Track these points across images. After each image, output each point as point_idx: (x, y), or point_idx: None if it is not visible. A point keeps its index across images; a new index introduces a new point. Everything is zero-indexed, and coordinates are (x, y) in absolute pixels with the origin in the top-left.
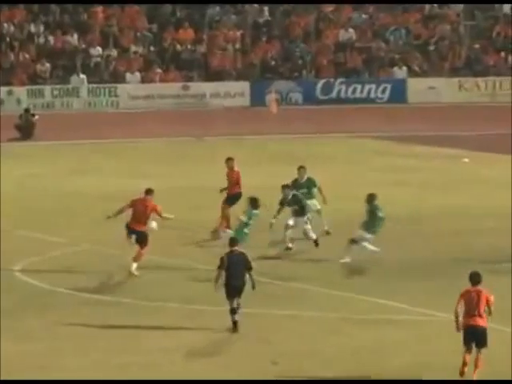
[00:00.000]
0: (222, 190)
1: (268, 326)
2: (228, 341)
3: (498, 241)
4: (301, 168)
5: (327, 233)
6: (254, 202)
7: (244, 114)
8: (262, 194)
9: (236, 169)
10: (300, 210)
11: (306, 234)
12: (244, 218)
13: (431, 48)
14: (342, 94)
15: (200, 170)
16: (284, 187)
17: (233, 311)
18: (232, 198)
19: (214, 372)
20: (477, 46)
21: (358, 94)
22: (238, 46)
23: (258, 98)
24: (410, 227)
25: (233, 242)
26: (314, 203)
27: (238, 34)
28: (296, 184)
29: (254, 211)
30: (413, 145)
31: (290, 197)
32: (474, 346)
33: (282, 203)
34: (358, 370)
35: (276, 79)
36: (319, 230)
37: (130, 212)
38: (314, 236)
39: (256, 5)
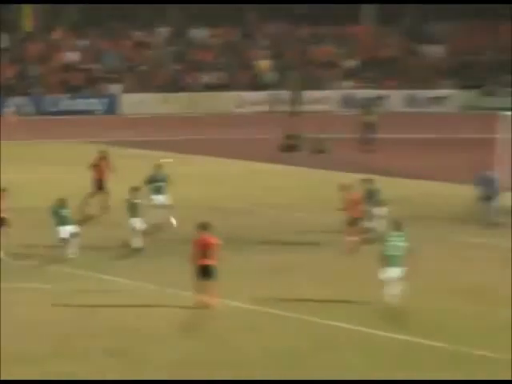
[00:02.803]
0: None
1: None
2: None
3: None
4: (157, 165)
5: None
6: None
7: None
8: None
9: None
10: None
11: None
12: None
13: (141, 69)
14: (68, 107)
15: None
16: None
17: None
18: None
19: None
20: (177, 67)
21: (80, 107)
22: None
23: None
24: None
25: None
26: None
27: None
28: (152, 179)
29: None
30: (126, 148)
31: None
32: (205, 279)
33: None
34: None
35: (13, 95)
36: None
37: None
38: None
39: None
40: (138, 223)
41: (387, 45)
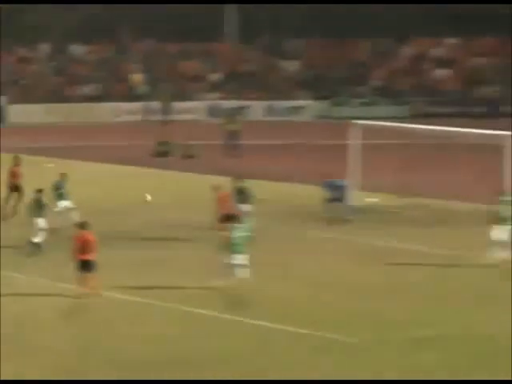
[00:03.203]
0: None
1: None
2: None
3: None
4: (62, 174)
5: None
6: None
7: None
8: None
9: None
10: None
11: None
12: None
13: (25, 82)
14: None
15: None
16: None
17: None
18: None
19: None
20: (58, 80)
21: None
22: None
23: None
24: None
25: None
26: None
27: None
28: (57, 186)
29: None
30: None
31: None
32: (85, 273)
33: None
34: None
35: None
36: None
37: None
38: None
39: None
40: (42, 223)
41: (248, 60)
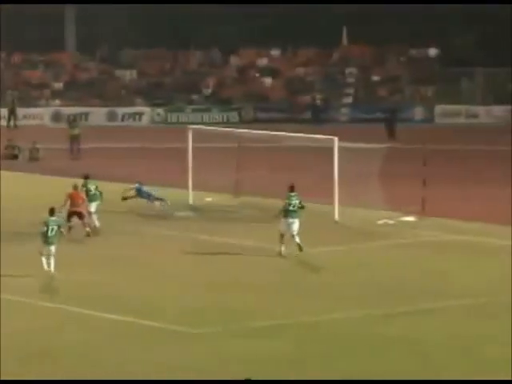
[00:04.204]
0: None
1: None
2: None
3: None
4: None
5: None
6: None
7: None
8: None
9: None
10: None
11: None
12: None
13: None
14: None
15: None
16: None
17: None
18: None
19: None
20: None
21: None
22: None
23: None
24: None
25: None
26: None
27: None
28: None
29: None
30: None
31: None
32: None
33: None
34: None
35: None
36: None
37: None
38: None
39: None
40: None
41: (88, 69)
